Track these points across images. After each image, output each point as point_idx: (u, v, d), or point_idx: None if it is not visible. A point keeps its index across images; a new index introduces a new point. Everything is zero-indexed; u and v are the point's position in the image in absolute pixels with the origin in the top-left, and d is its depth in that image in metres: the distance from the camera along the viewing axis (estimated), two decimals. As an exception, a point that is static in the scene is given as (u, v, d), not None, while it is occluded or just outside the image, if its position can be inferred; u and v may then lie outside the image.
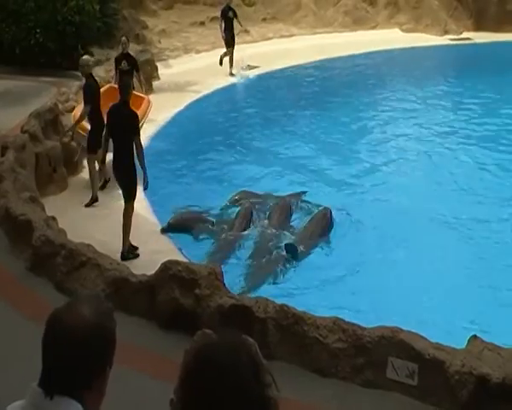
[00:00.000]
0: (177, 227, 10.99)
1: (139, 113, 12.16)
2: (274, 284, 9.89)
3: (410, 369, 6.15)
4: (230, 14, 20.88)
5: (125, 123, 9.59)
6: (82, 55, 12.94)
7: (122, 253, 9.71)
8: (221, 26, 20.87)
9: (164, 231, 10.90)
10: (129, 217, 9.76)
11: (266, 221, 11.61)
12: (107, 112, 10.19)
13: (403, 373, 6.19)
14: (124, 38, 15.19)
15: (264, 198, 12.20)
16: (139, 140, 9.68)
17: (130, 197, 9.78)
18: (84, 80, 12.09)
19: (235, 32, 21.08)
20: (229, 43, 20.57)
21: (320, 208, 11.87)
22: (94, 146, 11.25)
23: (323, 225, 11.57)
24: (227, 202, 12.17)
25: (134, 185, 9.80)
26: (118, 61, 15.10)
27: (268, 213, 11.83)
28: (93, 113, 11.47)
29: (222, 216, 11.84)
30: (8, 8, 18.36)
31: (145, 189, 10.15)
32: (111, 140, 10.01)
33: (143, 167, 9.84)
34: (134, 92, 13.01)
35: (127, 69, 14.11)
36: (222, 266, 9.64)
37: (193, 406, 2.11)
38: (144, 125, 14.16)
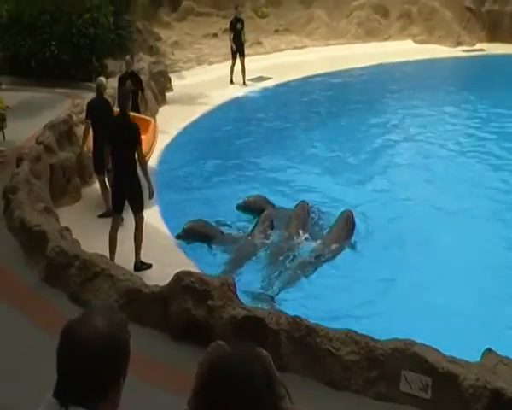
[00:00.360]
0: (191, 234, 10.95)
1: (146, 142, 12.06)
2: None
3: (423, 382, 6.12)
4: (239, 25, 20.98)
5: (126, 134, 9.50)
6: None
7: (135, 264, 9.69)
8: (230, 37, 21.08)
9: (179, 237, 10.88)
10: (140, 228, 9.75)
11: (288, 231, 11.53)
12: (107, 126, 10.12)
13: (416, 387, 6.15)
14: (128, 58, 14.70)
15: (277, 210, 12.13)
16: (142, 150, 9.69)
17: (139, 209, 9.76)
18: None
19: (247, 43, 21.24)
20: (240, 53, 20.73)
21: (342, 211, 11.87)
22: (101, 166, 11.00)
23: (348, 228, 11.68)
24: (241, 204, 12.17)
25: (141, 196, 9.75)
26: (122, 80, 14.34)
27: (288, 219, 11.78)
28: (99, 132, 11.19)
29: (235, 224, 11.82)
30: (23, 21, 18.46)
31: (150, 198, 10.09)
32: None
33: (147, 177, 9.84)
34: (139, 115, 12.99)
35: (132, 89, 13.68)
36: (242, 273, 9.99)
37: None
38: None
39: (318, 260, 10.82)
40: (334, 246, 11.14)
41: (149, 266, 9.76)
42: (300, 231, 11.42)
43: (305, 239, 11.33)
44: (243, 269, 10.38)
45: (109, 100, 12.25)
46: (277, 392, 2.10)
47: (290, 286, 10.05)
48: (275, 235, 11.41)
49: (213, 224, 11.51)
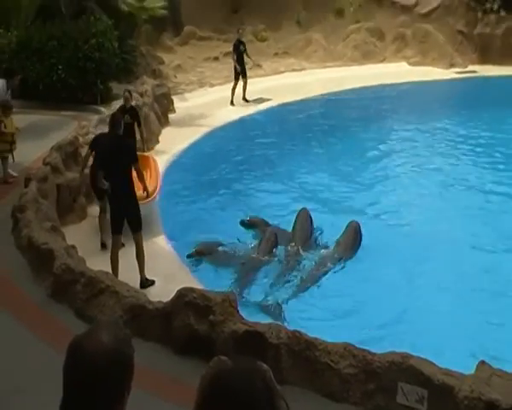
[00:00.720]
0: (201, 255, 10.95)
1: (153, 179, 12.12)
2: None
3: (419, 394, 6.11)
4: (241, 47, 21.19)
5: (124, 153, 9.45)
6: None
7: (141, 281, 9.66)
8: (233, 59, 21.22)
9: (189, 256, 10.85)
10: (141, 246, 9.70)
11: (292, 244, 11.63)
12: (95, 143, 10.26)
13: (412, 398, 6.14)
14: (126, 93, 13.76)
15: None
16: (139, 166, 9.67)
17: (138, 227, 9.70)
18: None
19: (248, 65, 21.39)
20: (242, 74, 20.93)
21: (350, 222, 11.96)
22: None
23: (356, 238, 11.80)
24: (245, 221, 12.27)
25: (140, 215, 9.71)
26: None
27: (292, 230, 11.94)
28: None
29: (240, 240, 11.81)
30: (32, 46, 18.54)
31: (149, 197, 10.30)
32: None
33: (147, 191, 9.97)
34: (138, 153, 12.69)
35: (130, 122, 12.94)
36: (251, 286, 10.13)
37: None
38: (160, 156, 14.20)
39: (328, 269, 10.93)
40: (343, 255, 11.28)
41: (152, 282, 9.75)
42: (306, 242, 11.70)
43: (312, 249, 11.52)
44: (253, 283, 10.45)
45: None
46: (278, 406, 2.10)
47: (300, 295, 10.15)
48: (280, 249, 11.47)
49: (221, 244, 11.46)
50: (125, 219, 9.70)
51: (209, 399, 2.13)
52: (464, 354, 7.11)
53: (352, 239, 11.77)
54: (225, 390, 2.09)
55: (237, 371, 2.16)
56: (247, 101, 21.11)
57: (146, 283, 9.66)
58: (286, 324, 8.59)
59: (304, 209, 12.39)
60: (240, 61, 20.95)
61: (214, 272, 10.68)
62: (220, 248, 11.37)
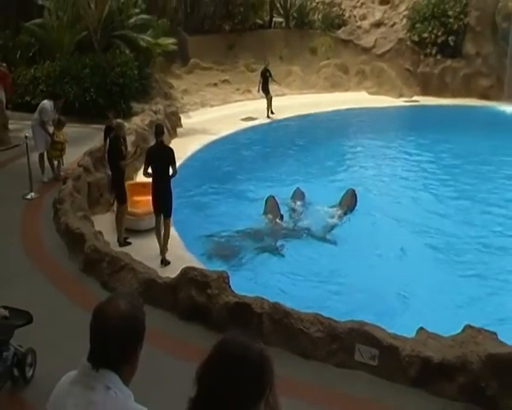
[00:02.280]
0: (215, 254, 10.57)
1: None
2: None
3: (372, 353, 6.18)
4: (267, 74, 21.57)
5: (166, 157, 9.49)
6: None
7: (162, 259, 9.58)
8: (260, 82, 21.67)
9: (204, 254, 10.44)
10: (168, 229, 9.74)
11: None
12: (148, 151, 9.93)
13: (367, 356, 6.20)
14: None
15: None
16: (175, 165, 9.64)
17: (170, 213, 9.74)
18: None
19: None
20: (266, 93, 21.42)
21: (348, 189, 13.11)
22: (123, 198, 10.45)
23: (353, 200, 12.96)
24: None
25: (171, 204, 9.72)
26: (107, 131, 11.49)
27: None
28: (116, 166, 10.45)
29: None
30: (71, 73, 18.55)
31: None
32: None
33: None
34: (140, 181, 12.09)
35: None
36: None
37: (206, 375, 2.13)
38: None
39: (334, 222, 12.10)
40: (344, 211, 12.51)
41: (168, 262, 9.62)
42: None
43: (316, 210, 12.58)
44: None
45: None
46: (266, 379, 2.12)
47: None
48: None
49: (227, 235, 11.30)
50: (161, 205, 9.70)
51: (211, 357, 2.15)
52: (409, 322, 7.10)
53: (350, 200, 12.90)
54: (224, 353, 2.12)
55: (238, 340, 2.18)
56: (272, 113, 21.41)
57: (166, 261, 9.56)
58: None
59: (298, 189, 13.37)
60: (265, 84, 21.37)
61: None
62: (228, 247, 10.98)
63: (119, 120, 11.15)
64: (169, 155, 9.50)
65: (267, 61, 22.70)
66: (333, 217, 12.21)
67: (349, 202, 12.91)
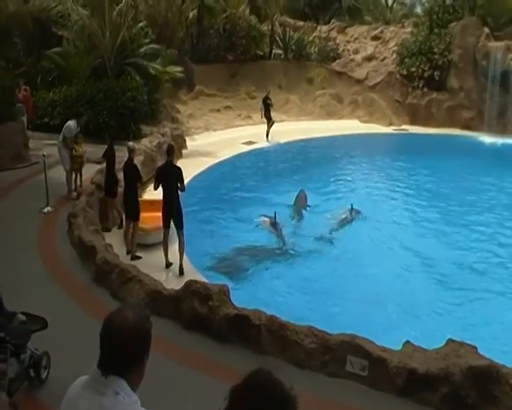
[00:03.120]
0: (216, 268, 10.54)
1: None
2: None
3: (362, 364, 6.17)
4: (269, 101, 21.57)
5: (175, 174, 9.64)
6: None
7: (180, 266, 9.59)
8: (262, 109, 21.65)
9: (209, 268, 10.45)
10: (182, 241, 9.75)
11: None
12: (158, 169, 10.08)
13: (357, 367, 6.19)
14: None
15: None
16: (184, 185, 9.76)
17: (182, 225, 9.77)
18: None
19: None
20: (268, 119, 21.41)
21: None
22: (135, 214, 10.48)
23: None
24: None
25: (182, 217, 9.78)
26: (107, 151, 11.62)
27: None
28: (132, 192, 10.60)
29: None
30: (86, 97, 18.66)
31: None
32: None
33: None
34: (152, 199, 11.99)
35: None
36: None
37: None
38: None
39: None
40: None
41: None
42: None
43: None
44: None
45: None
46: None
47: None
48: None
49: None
50: (171, 219, 9.76)
51: (244, 389, 2.14)
52: (396, 336, 7.08)
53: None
54: (256, 385, 2.13)
55: (267, 376, 2.18)
56: (267, 136, 21.44)
57: (182, 270, 9.61)
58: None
59: (302, 191, 14.12)
60: (268, 111, 21.40)
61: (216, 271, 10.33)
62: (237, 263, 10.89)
63: (132, 143, 11.19)
64: (177, 173, 9.66)
65: (268, 89, 22.80)
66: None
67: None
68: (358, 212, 13.38)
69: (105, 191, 11.44)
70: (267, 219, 12.76)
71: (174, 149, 10.17)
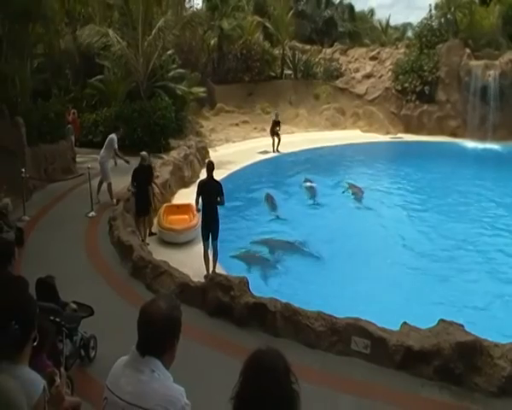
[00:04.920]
0: (242, 258, 10.53)
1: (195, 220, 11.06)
2: None
3: (365, 343, 6.17)
4: (278, 119, 21.47)
5: (215, 189, 9.05)
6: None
7: (213, 271, 9.04)
8: (270, 128, 21.39)
9: (233, 257, 10.44)
10: (216, 250, 9.27)
11: None
12: (199, 183, 9.39)
13: (361, 346, 6.18)
14: (145, 153, 11.23)
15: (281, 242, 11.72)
16: (223, 199, 9.15)
17: (217, 236, 9.26)
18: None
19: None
20: (276, 135, 21.22)
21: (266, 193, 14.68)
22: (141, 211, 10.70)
23: (274, 203, 14.15)
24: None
25: (219, 229, 9.28)
26: (137, 172, 10.88)
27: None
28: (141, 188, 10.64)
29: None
30: (123, 116, 18.82)
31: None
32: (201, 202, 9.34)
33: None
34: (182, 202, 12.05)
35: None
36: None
37: (246, 386, 2.16)
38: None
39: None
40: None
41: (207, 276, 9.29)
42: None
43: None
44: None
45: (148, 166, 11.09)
46: (292, 380, 2.17)
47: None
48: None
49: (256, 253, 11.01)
50: (210, 231, 9.20)
51: (247, 369, 2.18)
52: (395, 318, 7.04)
53: (271, 203, 14.10)
54: (258, 365, 2.16)
55: (268, 353, 2.20)
56: (278, 151, 21.28)
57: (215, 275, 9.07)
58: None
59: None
60: (274, 130, 21.17)
61: (237, 265, 10.18)
62: (257, 255, 10.83)
63: (145, 153, 11.21)
64: (217, 188, 9.02)
65: (276, 112, 22.45)
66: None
67: (271, 205, 14.00)
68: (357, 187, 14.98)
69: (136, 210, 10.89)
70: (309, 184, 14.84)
71: (213, 165, 9.42)
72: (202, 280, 7.81)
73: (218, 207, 9.16)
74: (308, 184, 16.13)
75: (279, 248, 11.29)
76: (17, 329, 2.34)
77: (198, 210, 9.53)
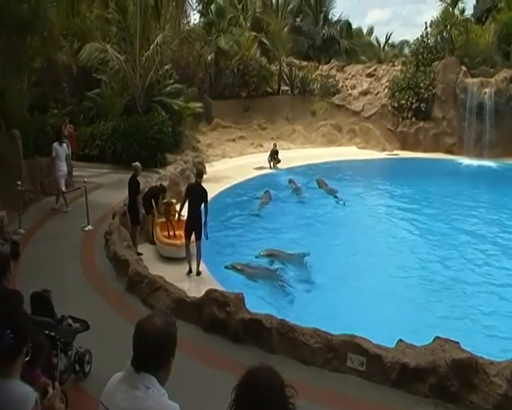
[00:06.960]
0: (235, 269, 10.62)
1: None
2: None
3: (361, 360, 6.16)
4: (275, 156, 21.71)
5: (201, 194, 9.95)
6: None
7: (197, 272, 9.97)
8: (270, 160, 21.66)
9: (226, 268, 10.61)
10: (199, 250, 10.04)
11: None
12: (188, 187, 10.33)
13: (356, 363, 6.17)
14: (136, 164, 11.29)
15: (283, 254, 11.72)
16: (207, 206, 10.10)
17: (200, 237, 10.03)
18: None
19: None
20: (277, 161, 21.64)
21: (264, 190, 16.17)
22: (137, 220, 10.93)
23: (268, 199, 15.90)
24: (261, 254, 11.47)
25: (201, 230, 10.02)
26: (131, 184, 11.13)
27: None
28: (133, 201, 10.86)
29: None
30: (120, 130, 18.93)
31: (207, 238, 10.13)
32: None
33: (206, 223, 9.99)
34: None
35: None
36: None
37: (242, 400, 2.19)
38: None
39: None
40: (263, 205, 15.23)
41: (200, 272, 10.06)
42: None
43: None
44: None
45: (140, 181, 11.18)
46: (288, 395, 2.21)
47: None
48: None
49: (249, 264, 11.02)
50: (193, 231, 10.00)
51: (242, 386, 2.20)
52: (390, 335, 7.04)
53: (266, 198, 15.58)
54: (253, 382, 2.19)
55: (263, 370, 2.23)
56: (275, 166, 21.63)
57: (199, 273, 9.95)
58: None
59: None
60: (276, 155, 21.62)
61: (232, 280, 10.19)
62: (250, 266, 10.90)
63: (137, 163, 11.28)
64: (203, 194, 9.96)
65: (274, 143, 22.73)
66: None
67: (266, 200, 15.30)
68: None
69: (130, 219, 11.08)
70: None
71: (203, 172, 10.82)
72: (198, 296, 7.79)
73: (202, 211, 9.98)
74: (293, 185, 18.17)
75: (279, 261, 11.36)
76: (12, 338, 2.36)
77: (181, 216, 10.50)
